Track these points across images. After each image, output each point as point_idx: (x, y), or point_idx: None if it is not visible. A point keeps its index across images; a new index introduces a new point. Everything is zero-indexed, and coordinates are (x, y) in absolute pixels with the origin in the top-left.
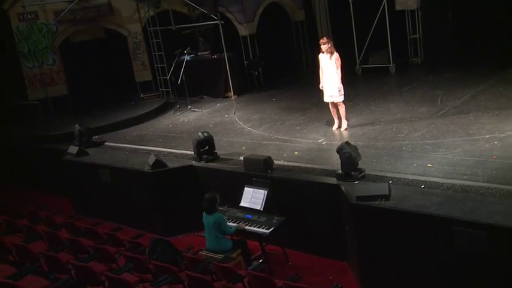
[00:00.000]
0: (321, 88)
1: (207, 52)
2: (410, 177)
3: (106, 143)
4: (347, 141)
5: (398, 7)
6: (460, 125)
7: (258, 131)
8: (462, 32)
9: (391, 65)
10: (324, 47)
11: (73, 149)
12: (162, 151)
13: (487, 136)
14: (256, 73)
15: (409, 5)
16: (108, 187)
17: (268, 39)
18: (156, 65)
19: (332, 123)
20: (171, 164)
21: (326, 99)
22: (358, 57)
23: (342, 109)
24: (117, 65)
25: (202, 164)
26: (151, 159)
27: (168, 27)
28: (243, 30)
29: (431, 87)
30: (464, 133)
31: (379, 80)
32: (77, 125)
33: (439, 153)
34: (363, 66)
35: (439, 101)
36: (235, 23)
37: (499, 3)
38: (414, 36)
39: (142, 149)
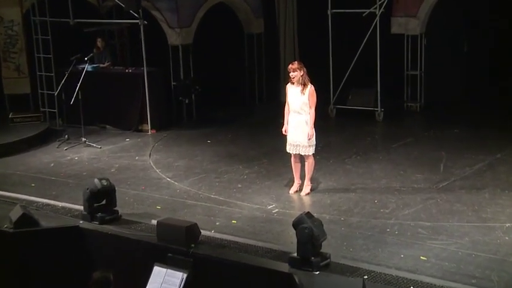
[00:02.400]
0: (284, 132)
1: (107, 64)
2: (394, 272)
3: None
4: (308, 212)
5: (395, 30)
6: (469, 205)
7: (182, 185)
8: (480, 73)
9: (379, 109)
10: (294, 75)
11: None
12: (35, 201)
13: (507, 225)
14: (187, 101)
15: (411, 28)
16: None
17: (209, 54)
18: (39, 73)
19: (291, 184)
20: (46, 223)
21: (290, 149)
22: (334, 94)
23: (310, 166)
24: None
25: (94, 225)
26: (16, 213)
27: (64, 19)
28: (174, 38)
29: (433, 146)
30: (474, 216)
31: (361, 128)
32: None
33: (438, 242)
34: (338, 106)
35: (441, 167)
36: (164, 26)
37: None
38: (414, 72)
39: (3, 196)
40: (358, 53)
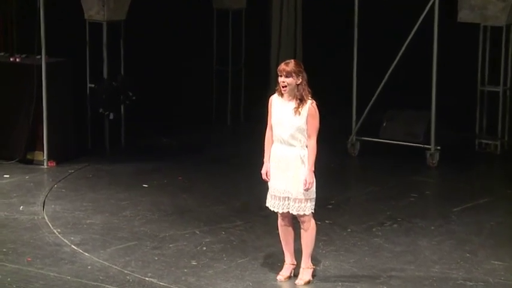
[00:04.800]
0: (263, 176)
1: None
2: None
3: None
4: None
5: (464, 16)
6: None
7: (97, 258)
8: None
9: (432, 146)
10: (286, 82)
11: None
12: None
13: None
14: (112, 116)
15: (491, 15)
16: None
17: (153, 41)
18: None
19: (280, 266)
20: None
21: (273, 204)
22: (357, 118)
23: (309, 234)
24: None
25: None
26: None
27: None
28: (95, 10)
29: None
30: None
31: (401, 177)
32: None
33: None
34: (365, 138)
35: None
36: None
37: None
38: (493, 88)
39: None
40: (400, 53)
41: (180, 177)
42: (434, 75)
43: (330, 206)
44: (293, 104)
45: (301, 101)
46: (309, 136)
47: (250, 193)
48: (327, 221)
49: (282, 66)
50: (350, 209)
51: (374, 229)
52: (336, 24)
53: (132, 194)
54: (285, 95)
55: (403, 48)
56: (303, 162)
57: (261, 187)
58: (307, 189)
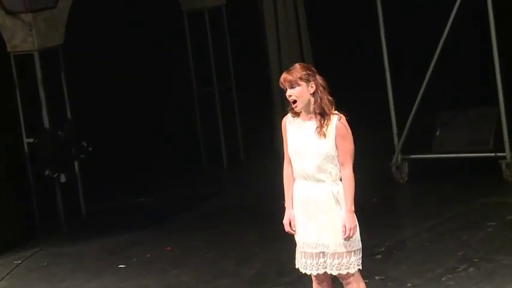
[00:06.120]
0: (287, 228)
1: None
2: None
3: None
4: None
5: None
6: None
7: None
8: None
9: (508, 154)
10: (294, 95)
11: None
12: None
13: None
14: (64, 178)
15: None
16: None
17: (106, 67)
18: None
19: None
20: None
21: (305, 264)
22: (399, 130)
23: None
24: None
25: None
26: None
27: None
28: (20, 37)
29: None
30: None
31: (470, 201)
32: None
33: None
34: (414, 157)
35: None
36: None
37: None
38: None
39: None
40: (444, 35)
41: (168, 248)
42: (496, 57)
43: (379, 256)
44: (314, 123)
45: (323, 115)
46: (341, 164)
47: (267, 255)
48: (377, 277)
49: (283, 75)
50: (407, 255)
51: (443, 278)
52: (355, 20)
53: (105, 280)
54: (301, 114)
55: (448, 28)
56: (337, 202)
57: (283, 244)
58: (347, 238)
